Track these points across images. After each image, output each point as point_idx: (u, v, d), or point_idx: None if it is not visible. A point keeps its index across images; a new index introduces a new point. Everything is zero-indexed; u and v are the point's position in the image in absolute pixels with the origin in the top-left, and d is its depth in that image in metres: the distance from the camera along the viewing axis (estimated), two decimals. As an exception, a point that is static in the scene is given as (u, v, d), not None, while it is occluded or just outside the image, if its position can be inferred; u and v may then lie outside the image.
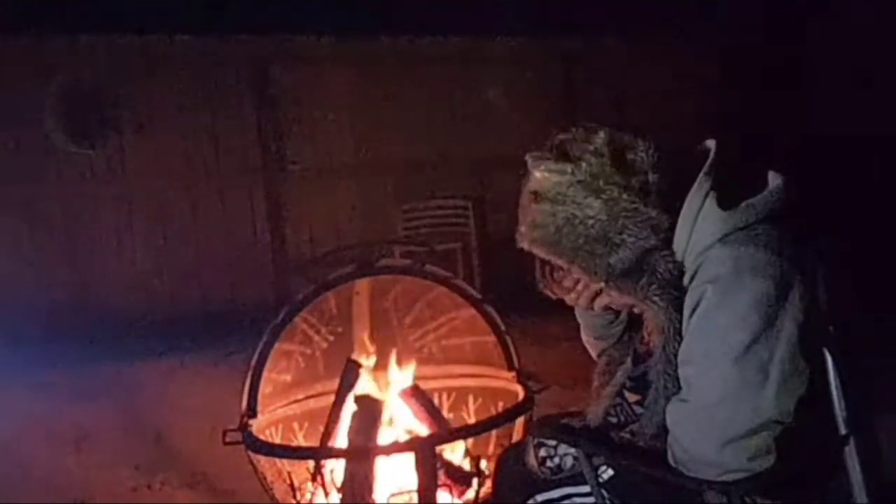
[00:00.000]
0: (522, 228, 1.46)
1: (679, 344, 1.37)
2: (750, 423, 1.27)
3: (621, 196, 1.36)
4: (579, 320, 1.67)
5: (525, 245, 1.47)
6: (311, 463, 2.42)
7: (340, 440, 2.48)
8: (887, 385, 1.52)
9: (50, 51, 5.64)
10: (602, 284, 1.42)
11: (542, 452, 1.55)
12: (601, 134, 1.41)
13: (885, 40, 6.24)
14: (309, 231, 6.30)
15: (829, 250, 1.39)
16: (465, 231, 6.21)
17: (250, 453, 2.42)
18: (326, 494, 2.39)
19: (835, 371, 1.34)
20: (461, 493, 2.48)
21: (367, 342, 2.72)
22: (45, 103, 5.60)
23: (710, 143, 1.45)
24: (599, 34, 6.74)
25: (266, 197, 6.31)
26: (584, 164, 1.38)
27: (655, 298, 1.38)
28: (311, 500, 2.46)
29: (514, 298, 3.12)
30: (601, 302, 1.51)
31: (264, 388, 2.54)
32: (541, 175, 1.42)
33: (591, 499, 1.43)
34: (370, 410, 2.47)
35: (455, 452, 2.61)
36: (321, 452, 2.45)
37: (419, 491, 2.25)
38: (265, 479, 2.48)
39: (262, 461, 2.45)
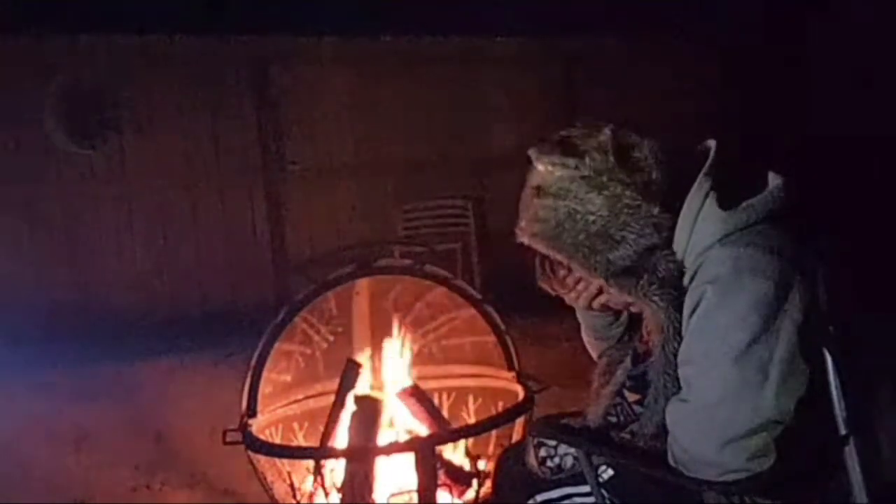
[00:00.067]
0: (523, 223, 1.46)
1: (679, 344, 1.37)
2: (750, 423, 1.27)
3: (624, 193, 1.36)
4: (580, 320, 1.67)
5: (525, 239, 1.46)
6: (311, 463, 2.42)
7: (340, 440, 2.48)
8: (887, 385, 1.52)
9: (50, 51, 5.63)
10: (601, 281, 1.42)
11: (542, 452, 1.55)
12: (606, 131, 1.41)
13: (885, 40, 6.24)
14: (309, 231, 6.29)
15: (829, 250, 1.39)
16: (465, 231, 6.21)
17: (250, 453, 2.42)
18: (326, 494, 2.39)
19: (835, 371, 1.34)
20: (461, 493, 2.48)
21: (367, 342, 2.73)
22: (45, 103, 5.59)
23: (710, 144, 1.45)
24: (599, 34, 6.74)
25: (266, 197, 6.31)
26: (587, 160, 1.38)
27: (655, 298, 1.38)
28: (311, 500, 2.46)
29: (514, 298, 3.13)
30: (600, 301, 1.51)
31: (264, 388, 2.55)
32: (544, 169, 1.41)
33: (591, 499, 1.43)
34: (370, 410, 2.47)
35: (455, 452, 2.61)
36: (321, 452, 2.45)
37: (419, 491, 2.25)
38: (265, 479, 2.49)
39: (262, 461, 2.45)
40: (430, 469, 2.26)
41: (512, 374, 2.67)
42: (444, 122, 6.60)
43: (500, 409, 2.60)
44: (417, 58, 6.60)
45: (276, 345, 2.56)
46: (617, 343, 1.64)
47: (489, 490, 2.13)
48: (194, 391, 4.08)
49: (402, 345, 2.76)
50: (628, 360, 1.58)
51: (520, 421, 2.47)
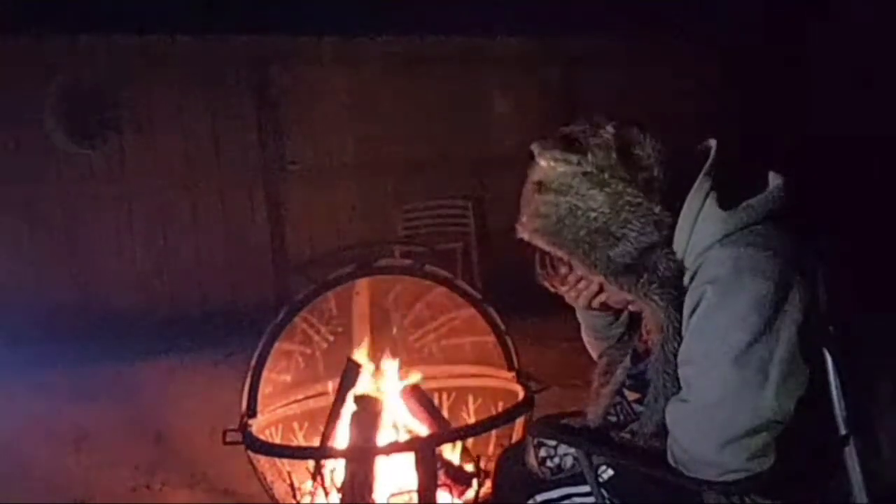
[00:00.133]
0: (524, 219, 1.46)
1: (678, 343, 1.37)
2: (750, 423, 1.26)
3: (626, 190, 1.36)
4: (580, 320, 1.67)
5: (526, 235, 1.46)
6: (311, 463, 2.42)
7: (340, 440, 2.48)
8: (887, 385, 1.52)
9: (50, 51, 5.64)
10: (601, 278, 1.42)
11: (542, 452, 1.55)
12: (609, 127, 1.41)
13: (885, 40, 6.24)
14: (309, 231, 6.30)
15: (829, 250, 1.39)
16: (465, 231, 6.21)
17: (250, 453, 2.42)
18: (326, 494, 2.39)
19: (835, 371, 1.34)
20: (461, 493, 2.48)
21: (367, 342, 2.73)
22: (45, 103, 5.60)
23: (711, 143, 1.45)
24: (599, 34, 6.73)
25: (266, 197, 6.31)
26: (590, 156, 1.38)
27: (655, 297, 1.38)
28: (311, 500, 2.46)
29: (514, 298, 3.13)
30: (599, 300, 1.51)
31: (264, 388, 2.55)
32: (546, 164, 1.41)
33: (591, 499, 1.43)
34: (370, 410, 2.47)
35: (455, 452, 2.61)
36: (321, 452, 2.45)
37: (419, 491, 2.25)
38: (265, 479, 2.49)
39: (262, 461, 2.45)
40: (430, 469, 2.26)
41: (512, 374, 2.67)
42: (444, 122, 6.60)
43: (500, 409, 2.60)
44: (417, 58, 6.60)
45: (276, 345, 2.56)
46: (617, 343, 1.64)
47: (489, 490, 2.13)
48: (194, 391, 4.09)
49: (402, 345, 2.76)
50: (628, 360, 1.58)
51: (520, 421, 2.47)
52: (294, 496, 2.42)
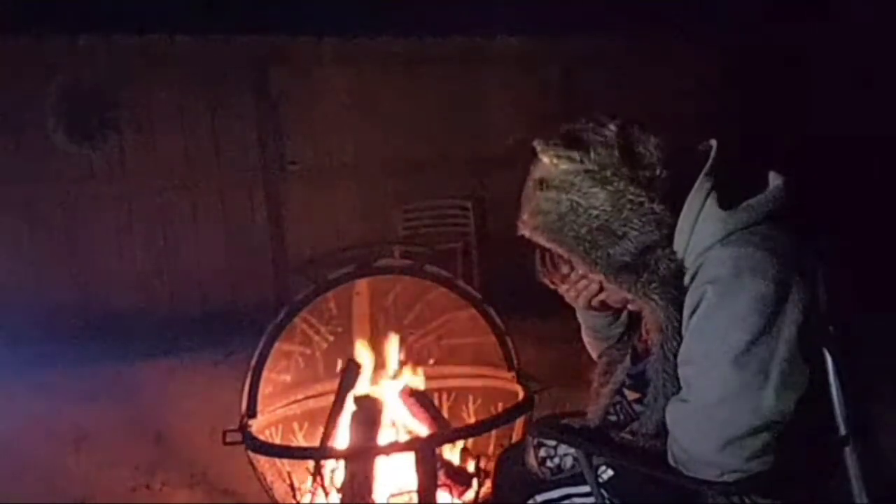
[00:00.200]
0: (525, 216, 1.46)
1: (677, 343, 1.37)
2: (750, 423, 1.26)
3: (627, 189, 1.36)
4: (580, 320, 1.67)
5: (526, 232, 1.46)
6: (311, 463, 2.42)
7: (340, 440, 2.48)
8: (887, 385, 1.52)
9: (50, 51, 5.63)
10: (601, 276, 1.42)
11: (542, 452, 1.55)
12: (612, 126, 1.41)
13: (885, 40, 6.24)
14: (309, 231, 6.29)
15: (829, 250, 1.39)
16: (465, 231, 6.21)
17: (250, 453, 2.42)
18: (326, 494, 2.39)
19: (835, 371, 1.34)
20: (461, 493, 2.48)
21: (367, 342, 2.73)
22: (45, 103, 5.60)
23: (711, 144, 1.45)
24: (599, 34, 6.73)
25: (266, 197, 6.31)
26: (592, 154, 1.38)
27: (655, 296, 1.38)
28: (311, 500, 2.46)
29: (514, 298, 3.13)
30: (599, 299, 1.51)
31: (264, 388, 2.55)
32: (549, 161, 1.41)
33: (591, 499, 1.43)
34: (370, 410, 2.47)
35: (455, 452, 2.61)
36: (321, 452, 2.45)
37: (419, 491, 2.25)
38: (265, 479, 2.49)
39: (262, 461, 2.45)
40: (430, 469, 2.26)
41: (512, 374, 2.68)
42: (444, 122, 6.59)
43: (500, 409, 2.60)
44: (417, 58, 6.60)
45: (276, 345, 2.56)
46: (617, 343, 1.64)
47: (489, 490, 2.13)
48: (194, 391, 4.09)
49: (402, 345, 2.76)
50: (628, 359, 1.58)
51: (520, 421, 2.47)
52: (294, 496, 2.42)
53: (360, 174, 6.48)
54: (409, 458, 2.28)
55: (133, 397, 4.18)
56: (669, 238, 1.38)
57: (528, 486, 1.54)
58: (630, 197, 1.36)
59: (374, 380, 2.66)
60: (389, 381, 2.66)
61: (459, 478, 2.50)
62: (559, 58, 6.93)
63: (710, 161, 1.40)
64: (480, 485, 2.44)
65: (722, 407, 1.28)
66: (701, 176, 1.38)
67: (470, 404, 2.82)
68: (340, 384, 2.58)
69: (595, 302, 1.52)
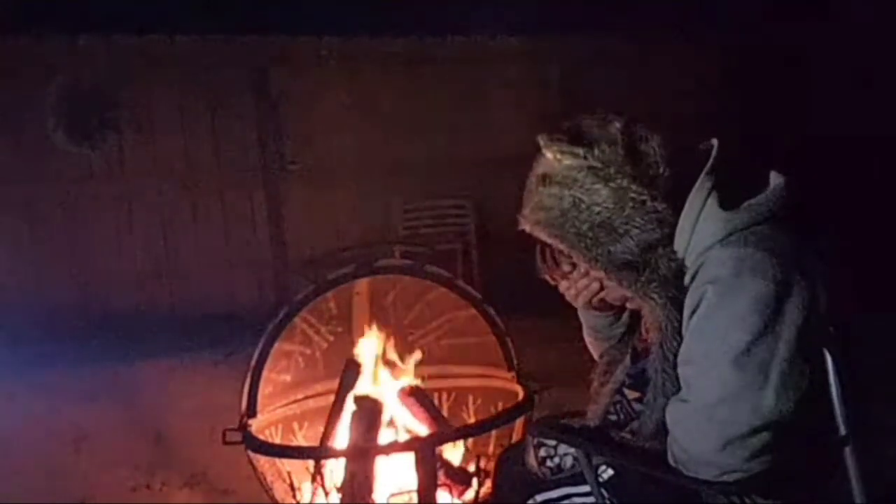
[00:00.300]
0: (526, 211, 1.46)
1: (677, 342, 1.36)
2: (749, 423, 1.26)
3: (630, 186, 1.36)
4: (582, 320, 1.67)
5: (527, 227, 1.46)
6: (311, 463, 2.42)
7: (340, 440, 2.48)
8: (887, 385, 1.52)
9: (50, 51, 5.64)
10: (601, 273, 1.42)
11: (542, 452, 1.55)
12: (616, 123, 1.41)
13: (885, 40, 6.24)
14: (309, 231, 6.30)
15: (829, 250, 1.39)
16: (465, 231, 6.21)
17: (250, 453, 2.42)
18: (326, 494, 2.39)
19: (835, 371, 1.34)
20: (461, 493, 2.48)
21: (367, 342, 2.72)
22: (46, 103, 5.60)
23: (712, 143, 1.45)
24: (599, 34, 6.74)
25: (266, 197, 6.31)
26: (596, 151, 1.38)
27: (654, 295, 1.37)
28: (311, 500, 2.46)
29: (514, 298, 3.13)
30: (599, 297, 1.50)
31: (264, 388, 2.55)
32: (552, 157, 1.41)
33: (591, 499, 1.43)
34: (370, 410, 2.47)
35: (455, 452, 2.61)
36: (321, 452, 2.45)
37: (419, 491, 2.25)
38: (265, 479, 2.49)
39: (262, 461, 2.45)
40: (430, 469, 2.26)
41: (512, 374, 2.67)
42: (444, 122, 6.60)
43: (500, 409, 2.60)
44: (417, 58, 6.60)
45: (276, 345, 2.56)
46: (618, 343, 1.64)
47: (489, 490, 2.13)
48: (194, 391, 4.09)
49: (402, 345, 2.76)
50: (627, 359, 1.58)
51: (520, 421, 2.47)
52: (294, 496, 2.42)
53: (360, 174, 6.48)
54: (409, 458, 2.28)
55: (133, 397, 4.18)
56: (670, 237, 1.38)
57: (528, 486, 1.54)
58: (632, 195, 1.36)
59: (374, 379, 2.66)
60: (389, 381, 2.66)
61: (459, 478, 2.50)
62: (559, 58, 6.93)
63: (710, 161, 1.40)
64: (480, 485, 2.44)
65: (722, 407, 1.28)
66: (702, 175, 1.38)
67: (470, 404, 2.82)
68: (340, 384, 2.58)
69: (595, 301, 1.52)
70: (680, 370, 1.36)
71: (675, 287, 1.37)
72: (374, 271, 2.67)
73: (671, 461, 1.36)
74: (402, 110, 6.52)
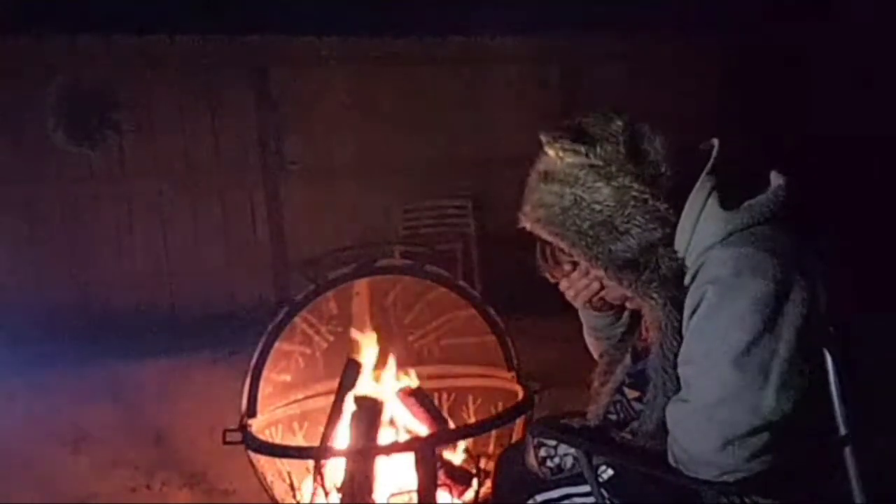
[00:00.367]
0: (527, 208, 1.45)
1: (676, 342, 1.36)
2: (749, 423, 1.26)
3: (632, 185, 1.36)
4: (582, 320, 1.67)
5: (528, 225, 1.46)
6: (311, 463, 2.42)
7: (340, 440, 2.48)
8: (887, 385, 1.52)
9: (50, 51, 5.64)
10: (601, 272, 1.41)
11: (542, 452, 1.55)
12: (619, 121, 1.41)
13: (885, 40, 6.24)
14: (309, 231, 6.30)
15: (829, 250, 1.39)
16: (465, 231, 6.21)
17: (250, 453, 2.42)
18: (326, 494, 2.39)
19: (835, 371, 1.34)
20: (461, 493, 2.48)
21: (367, 342, 2.72)
22: (45, 103, 5.60)
23: (713, 143, 1.45)
24: (599, 34, 6.74)
25: (266, 197, 6.32)
26: (598, 149, 1.37)
27: (654, 295, 1.37)
28: (311, 500, 2.46)
29: (514, 298, 3.13)
30: (598, 296, 1.50)
31: (264, 388, 2.55)
32: (554, 154, 1.41)
33: (591, 499, 1.43)
34: (370, 410, 2.47)
35: (455, 452, 2.61)
36: (321, 452, 2.45)
37: (419, 491, 2.25)
38: (265, 478, 2.49)
39: (262, 461, 2.45)
40: (430, 469, 2.26)
41: (512, 374, 2.67)
42: (444, 122, 6.60)
43: (500, 409, 2.60)
44: (417, 58, 6.60)
45: (276, 345, 2.56)
46: (618, 342, 1.64)
47: (489, 490, 2.13)
48: (194, 391, 4.09)
49: (402, 345, 2.76)
50: (627, 358, 1.58)
51: (520, 421, 2.47)
52: (294, 496, 2.42)
53: (360, 174, 6.48)
54: (409, 458, 2.28)
55: (133, 397, 4.18)
56: (671, 237, 1.37)
57: (528, 486, 1.54)
58: (634, 193, 1.36)
59: (374, 379, 2.66)
60: (389, 380, 2.66)
61: (459, 478, 2.50)
62: (559, 58, 6.93)
63: (711, 161, 1.40)
64: (480, 485, 2.44)
65: (722, 407, 1.27)
66: (702, 175, 1.38)
67: (470, 404, 2.82)
68: (340, 384, 2.58)
69: (595, 300, 1.52)
70: (680, 370, 1.36)
71: (675, 287, 1.37)
72: (374, 271, 2.67)
73: (671, 461, 1.35)
74: (402, 110, 6.52)
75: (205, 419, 3.29)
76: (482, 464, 2.47)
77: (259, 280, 6.13)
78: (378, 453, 2.40)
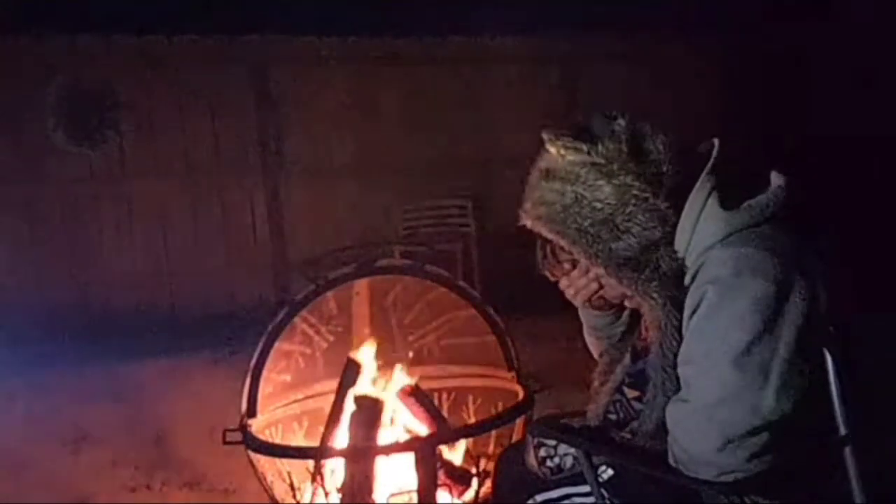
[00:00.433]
0: (528, 205, 1.45)
1: (676, 341, 1.36)
2: (749, 423, 1.26)
3: (633, 184, 1.36)
4: (582, 319, 1.67)
5: (528, 223, 1.45)
6: (311, 463, 2.42)
7: (340, 440, 2.48)
8: (887, 385, 1.52)
9: (50, 51, 5.64)
10: (601, 270, 1.41)
11: (542, 452, 1.55)
12: (621, 120, 1.41)
13: (885, 40, 6.24)
14: (309, 231, 6.30)
15: (829, 250, 1.39)
16: (465, 231, 6.21)
17: (250, 453, 2.42)
18: (326, 494, 2.39)
19: (835, 371, 1.34)
20: (461, 493, 2.48)
21: (367, 341, 2.72)
22: (45, 103, 5.60)
23: (713, 143, 1.45)
24: (599, 34, 6.74)
25: (266, 197, 6.32)
26: (600, 147, 1.37)
27: (654, 294, 1.37)
28: (311, 500, 2.46)
29: (514, 298, 3.12)
30: (598, 295, 1.50)
31: (264, 388, 2.55)
32: (556, 152, 1.41)
33: (591, 499, 1.43)
34: (370, 410, 2.47)
35: (455, 452, 2.61)
36: (321, 452, 2.45)
37: (419, 491, 2.25)
38: (265, 478, 2.49)
39: (262, 461, 2.45)
40: (430, 469, 2.26)
41: (512, 374, 2.67)
42: (444, 122, 6.60)
43: (500, 409, 2.60)
44: (417, 58, 6.60)
45: (276, 345, 2.56)
46: (618, 342, 1.64)
47: (489, 490, 2.13)
48: (194, 391, 4.09)
49: (402, 345, 2.76)
50: (627, 358, 1.58)
51: (520, 421, 2.47)
52: (294, 496, 2.42)
53: (360, 174, 6.48)
54: (409, 458, 2.28)
55: (133, 397, 4.18)
56: (671, 236, 1.37)
57: (528, 486, 1.54)
58: (635, 192, 1.36)
59: (374, 379, 2.66)
60: (389, 380, 2.66)
61: (459, 478, 2.50)
62: (559, 58, 6.94)
63: (711, 161, 1.40)
64: (480, 485, 2.44)
65: (722, 407, 1.27)
66: (703, 175, 1.37)
67: (470, 404, 2.81)
68: (340, 384, 2.58)
69: (594, 299, 1.52)
70: (680, 370, 1.36)
71: (675, 286, 1.37)
72: (374, 271, 2.67)
73: (671, 461, 1.35)
74: (402, 110, 6.53)
75: (205, 419, 3.29)
76: (482, 464, 2.47)
77: (259, 280, 6.13)
78: (378, 453, 2.40)
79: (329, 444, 2.48)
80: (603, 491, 1.42)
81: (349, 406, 2.51)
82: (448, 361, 2.89)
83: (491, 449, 2.63)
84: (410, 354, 2.81)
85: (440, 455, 2.43)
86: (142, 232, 6.00)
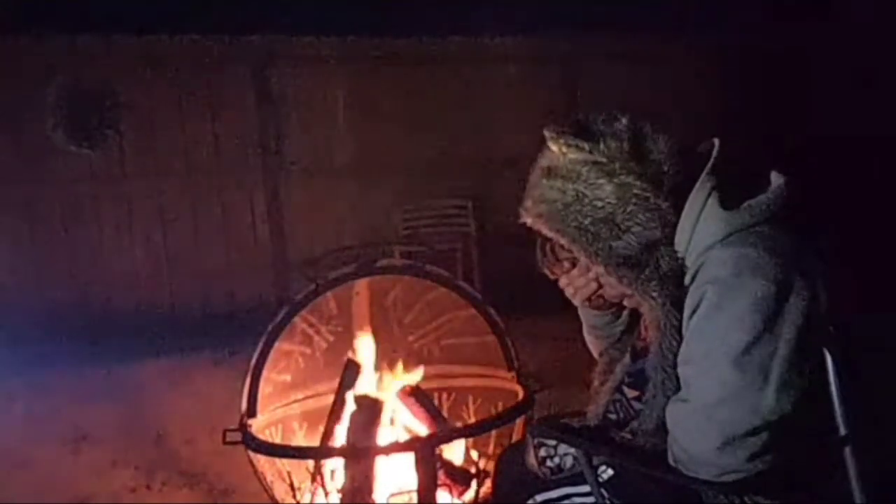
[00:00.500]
0: (528, 203, 1.45)
1: (676, 341, 1.36)
2: (749, 423, 1.26)
3: (634, 183, 1.36)
4: (582, 319, 1.67)
5: (529, 220, 1.45)
6: (311, 463, 2.42)
7: (340, 440, 2.48)
8: (887, 385, 1.52)
9: (50, 51, 5.64)
10: (601, 269, 1.41)
11: (542, 452, 1.55)
12: (623, 119, 1.41)
13: (885, 40, 6.24)
14: (309, 231, 6.30)
15: (829, 250, 1.39)
16: (465, 231, 6.21)
17: (250, 453, 2.42)
18: (326, 494, 2.39)
19: (835, 371, 1.34)
20: (461, 493, 2.48)
21: (367, 342, 2.72)
22: (45, 103, 5.60)
23: (713, 143, 1.45)
24: (599, 34, 6.74)
25: (266, 197, 6.32)
26: (602, 146, 1.37)
27: (654, 293, 1.37)
28: (311, 500, 2.46)
29: (514, 298, 3.12)
30: (597, 294, 1.50)
31: (264, 388, 2.55)
32: (557, 150, 1.41)
33: (591, 499, 1.43)
34: (370, 410, 2.47)
35: (455, 452, 2.61)
36: (321, 452, 2.45)
37: (419, 491, 2.25)
38: (265, 478, 2.49)
39: (262, 461, 2.45)
40: (430, 469, 2.26)
41: (512, 374, 2.67)
42: (444, 122, 6.60)
43: (500, 409, 2.60)
44: (417, 58, 6.60)
45: (276, 345, 2.56)
46: (618, 342, 1.64)
47: (489, 490, 2.13)
48: (194, 391, 4.09)
49: (402, 345, 2.76)
50: (627, 357, 1.58)
51: (520, 421, 2.47)
52: (294, 496, 2.42)
53: (360, 174, 6.48)
54: (409, 458, 2.28)
55: (133, 397, 4.18)
56: (671, 236, 1.37)
57: (528, 486, 1.54)
58: (636, 191, 1.36)
59: (374, 379, 2.66)
60: (389, 380, 2.66)
61: (459, 478, 2.50)
62: (559, 58, 6.94)
63: (711, 160, 1.40)
64: (480, 485, 2.44)
65: (722, 407, 1.27)
66: (703, 175, 1.37)
67: (470, 404, 2.82)
68: (340, 384, 2.58)
69: (594, 298, 1.52)
70: (680, 370, 1.36)
71: (674, 286, 1.37)
72: (374, 271, 2.67)
73: (671, 461, 1.35)
74: (402, 110, 6.53)
75: (205, 419, 3.29)
76: (482, 464, 2.47)
77: (259, 280, 6.13)
78: (378, 453, 2.40)
79: (329, 444, 2.48)
80: (603, 491, 1.42)
81: (349, 406, 2.52)
82: (448, 361, 2.89)
83: (491, 449, 2.64)
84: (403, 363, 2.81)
85: (440, 455, 2.43)
86: (142, 232, 6.00)
